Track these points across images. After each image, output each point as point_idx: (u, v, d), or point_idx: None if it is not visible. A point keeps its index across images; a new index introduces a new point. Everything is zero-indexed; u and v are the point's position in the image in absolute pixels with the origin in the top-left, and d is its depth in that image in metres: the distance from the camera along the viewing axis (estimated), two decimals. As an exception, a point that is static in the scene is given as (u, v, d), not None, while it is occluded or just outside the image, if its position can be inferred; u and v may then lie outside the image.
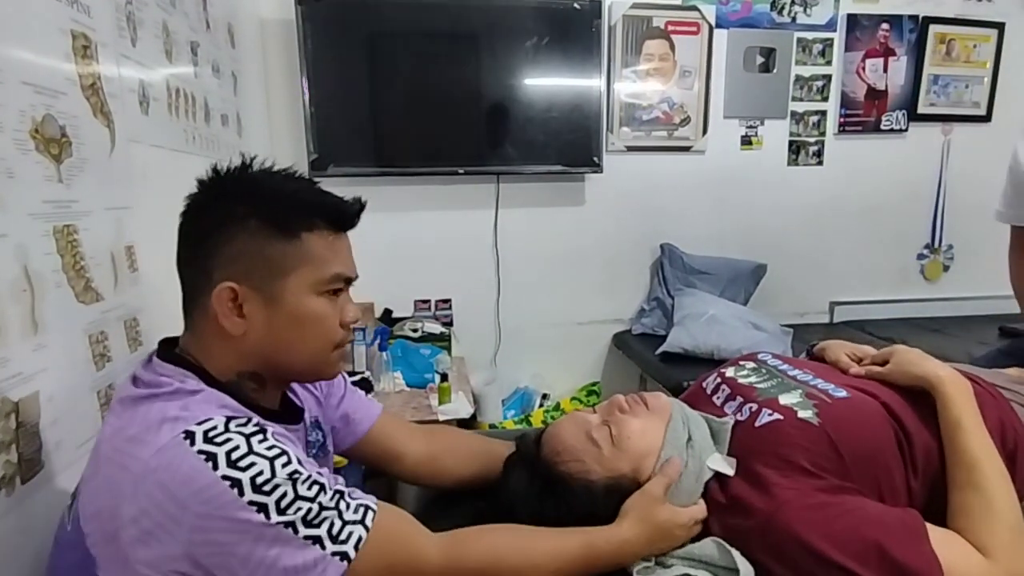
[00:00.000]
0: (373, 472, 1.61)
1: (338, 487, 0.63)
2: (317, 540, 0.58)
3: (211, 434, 0.58)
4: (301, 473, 0.59)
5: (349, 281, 0.72)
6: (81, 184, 0.89)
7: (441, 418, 1.76)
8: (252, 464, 0.57)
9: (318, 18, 2.11)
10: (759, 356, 1.02)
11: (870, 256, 2.79)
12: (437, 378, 1.87)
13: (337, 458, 0.91)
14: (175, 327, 1.18)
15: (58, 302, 0.82)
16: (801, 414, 0.80)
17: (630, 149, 2.50)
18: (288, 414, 0.76)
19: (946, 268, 2.85)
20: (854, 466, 0.75)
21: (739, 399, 0.89)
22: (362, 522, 0.61)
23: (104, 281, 0.94)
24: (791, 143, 2.63)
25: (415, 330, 2.19)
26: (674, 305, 2.38)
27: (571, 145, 2.36)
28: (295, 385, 0.83)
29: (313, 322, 0.69)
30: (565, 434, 0.85)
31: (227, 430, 0.58)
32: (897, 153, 2.71)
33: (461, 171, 2.32)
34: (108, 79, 0.99)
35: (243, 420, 0.61)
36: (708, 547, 0.76)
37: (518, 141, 2.34)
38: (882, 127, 2.66)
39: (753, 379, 0.93)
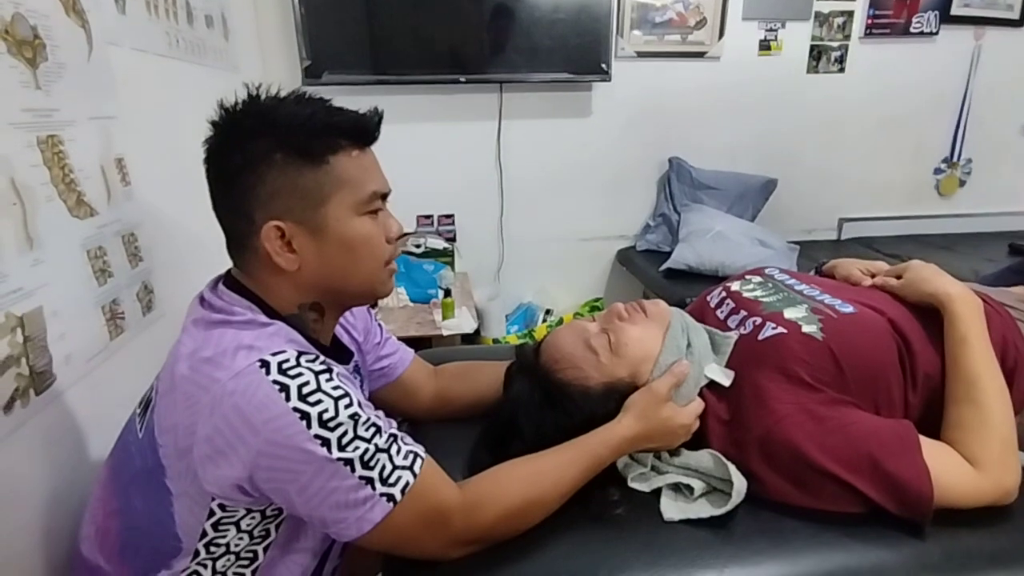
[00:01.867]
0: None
1: (392, 431, 0.65)
2: (369, 481, 0.61)
3: (284, 366, 0.60)
4: (360, 415, 0.61)
5: (384, 196, 0.73)
6: (60, 91, 0.84)
7: (445, 333, 1.79)
8: (320, 401, 0.59)
9: (304, -96, 1.93)
10: (766, 270, 1.01)
11: (885, 171, 2.71)
12: (440, 294, 1.88)
13: None
14: (174, 243, 1.17)
15: (51, 216, 0.81)
16: (805, 328, 0.79)
17: (640, 55, 2.36)
18: (339, 352, 0.79)
19: (962, 183, 2.78)
20: (854, 381, 0.76)
21: (743, 313, 0.89)
22: (411, 468, 0.63)
23: (97, 195, 0.92)
24: (812, 48, 2.48)
25: (418, 246, 2.18)
26: (680, 221, 2.35)
27: (578, 50, 2.23)
28: (342, 324, 0.85)
29: (362, 244, 0.69)
30: (563, 342, 0.85)
31: (299, 364, 0.60)
32: (924, 59, 2.55)
33: (462, 79, 2.21)
34: (78, -27, 0.91)
35: (312, 356, 0.63)
36: (704, 458, 0.78)
37: (522, 46, 2.21)
38: (912, 30, 2.49)
39: (759, 293, 0.92)
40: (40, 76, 0.80)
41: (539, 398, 0.81)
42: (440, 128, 2.34)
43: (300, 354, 0.62)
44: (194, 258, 1.25)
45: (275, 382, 0.59)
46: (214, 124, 0.67)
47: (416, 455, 0.65)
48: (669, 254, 2.22)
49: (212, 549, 0.66)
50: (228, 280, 0.70)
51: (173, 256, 1.17)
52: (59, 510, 0.79)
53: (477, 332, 1.99)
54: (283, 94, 0.68)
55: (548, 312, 2.59)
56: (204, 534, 0.65)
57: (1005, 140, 2.72)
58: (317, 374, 0.61)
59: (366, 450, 0.61)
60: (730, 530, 0.72)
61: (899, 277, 0.89)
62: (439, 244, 2.22)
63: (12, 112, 0.75)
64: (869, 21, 2.46)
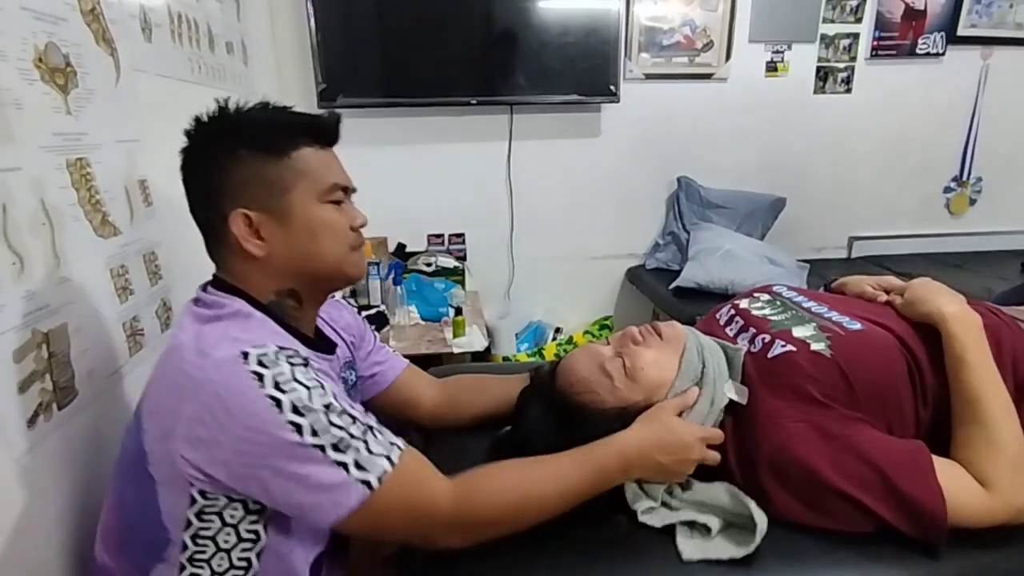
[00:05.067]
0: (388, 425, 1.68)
1: (369, 422, 0.66)
2: (343, 465, 0.62)
3: (263, 359, 0.63)
4: (335, 405, 0.63)
5: (347, 190, 0.78)
6: (90, 116, 0.87)
7: (455, 351, 1.80)
8: (294, 389, 0.62)
9: (321, -65, 2.00)
10: (774, 288, 1.02)
11: (894, 189, 2.71)
12: (451, 312, 1.89)
13: None
14: (193, 261, 1.19)
15: (77, 236, 0.83)
16: (814, 346, 0.80)
17: (648, 77, 2.40)
18: (323, 343, 0.81)
19: (972, 202, 2.77)
20: (865, 397, 0.76)
21: (752, 331, 0.89)
22: (387, 457, 0.64)
23: (120, 215, 0.95)
24: (819, 69, 2.50)
25: (429, 264, 2.20)
26: (689, 240, 2.36)
27: (587, 72, 2.27)
28: (331, 325, 0.89)
29: (325, 229, 0.74)
30: (578, 366, 0.85)
31: (276, 358, 0.63)
32: (932, 79, 2.57)
33: (474, 101, 2.25)
34: (108, 4, 0.95)
35: (291, 352, 0.65)
36: (720, 494, 0.76)
37: (532, 69, 2.25)
38: (918, 51, 2.51)
39: (767, 311, 0.93)
40: (71, 102, 0.83)
41: (554, 421, 0.82)
42: (451, 149, 2.38)
43: (280, 349, 0.65)
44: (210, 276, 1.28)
45: (252, 372, 0.61)
46: (187, 133, 0.73)
47: (395, 445, 0.66)
48: (678, 272, 2.22)
49: (200, 543, 0.67)
50: (214, 281, 0.75)
51: (191, 274, 1.18)
52: (78, 523, 0.80)
53: (488, 350, 2.00)
54: (249, 105, 0.74)
55: (558, 330, 2.60)
56: (189, 523, 0.66)
57: (1015, 159, 2.72)
58: (293, 367, 0.63)
59: (340, 438, 0.62)
60: (742, 548, 0.71)
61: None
62: (450, 263, 2.24)
63: (44, 136, 0.78)
64: (875, 43, 2.48)
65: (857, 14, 2.45)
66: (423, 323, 1.99)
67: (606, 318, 2.68)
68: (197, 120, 0.73)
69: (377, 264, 1.94)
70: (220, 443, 0.61)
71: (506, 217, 2.49)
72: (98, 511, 0.82)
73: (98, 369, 0.86)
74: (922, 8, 2.46)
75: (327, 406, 0.63)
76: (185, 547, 0.67)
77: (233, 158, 0.71)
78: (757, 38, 2.42)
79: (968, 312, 0.80)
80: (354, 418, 0.64)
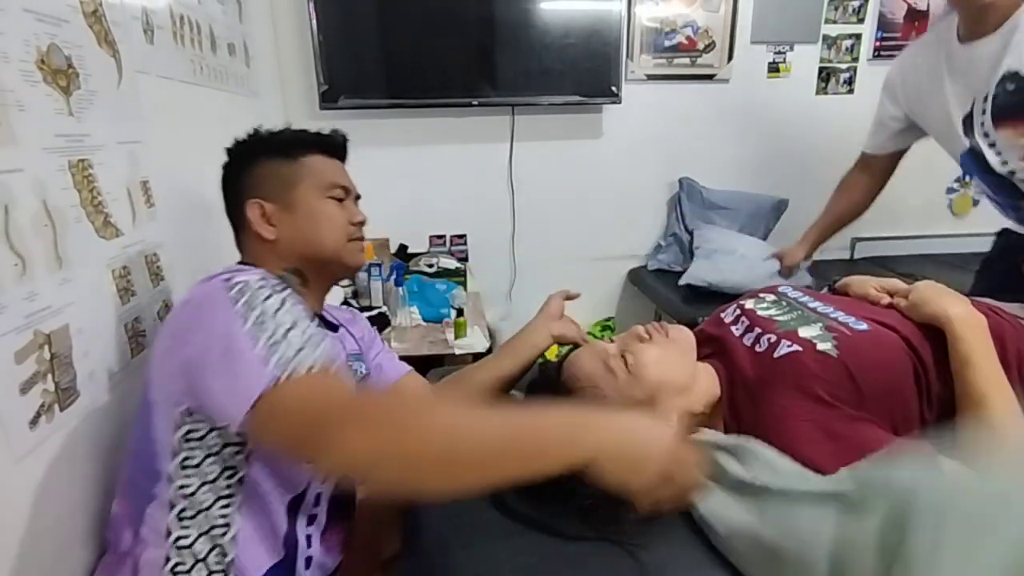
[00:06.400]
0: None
1: (313, 332, 0.67)
2: (266, 359, 0.62)
3: (241, 277, 0.70)
4: (286, 309, 0.68)
5: (348, 192, 0.92)
6: (92, 117, 0.87)
7: (457, 352, 1.80)
8: (254, 297, 0.68)
9: (323, -63, 2.00)
10: (780, 288, 1.02)
11: (897, 190, 2.66)
12: (453, 313, 1.89)
13: None
14: (194, 263, 1.20)
15: (79, 237, 0.83)
16: (820, 346, 0.80)
17: (650, 78, 2.40)
18: (324, 324, 0.91)
19: (976, 203, 2.76)
20: (870, 397, 0.76)
21: (758, 330, 0.89)
22: (309, 369, 0.62)
23: (122, 216, 0.95)
24: (821, 70, 2.50)
25: (431, 265, 2.20)
26: (692, 240, 2.35)
27: (589, 73, 2.27)
28: (341, 319, 1.00)
29: (326, 219, 0.88)
30: (583, 362, 0.87)
31: (258, 281, 0.70)
32: (934, 80, 2.56)
33: (475, 102, 2.25)
34: (110, 5, 0.95)
35: (276, 282, 0.72)
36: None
37: (533, 70, 2.25)
38: (920, 51, 2.50)
39: (773, 312, 0.93)
40: (73, 103, 0.83)
41: None
42: (453, 150, 2.38)
43: (263, 277, 0.71)
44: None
45: (226, 281, 0.69)
46: (227, 150, 0.92)
47: (320, 364, 0.64)
48: (680, 274, 2.22)
49: (186, 473, 0.70)
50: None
51: (192, 275, 1.19)
52: (80, 524, 0.80)
53: (489, 351, 1.99)
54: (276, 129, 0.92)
55: (559, 332, 2.59)
56: (176, 452, 0.70)
57: (1018, 159, 2.71)
58: (270, 287, 0.69)
59: (273, 334, 0.64)
60: (745, 550, 0.71)
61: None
62: (451, 264, 2.24)
63: (46, 138, 0.78)
64: (877, 44, 2.48)
65: (859, 15, 2.45)
66: (425, 324, 1.98)
67: (608, 319, 2.68)
68: (235, 140, 0.92)
69: (379, 265, 1.94)
70: (189, 340, 0.67)
71: (508, 218, 2.49)
72: (100, 511, 0.83)
73: (99, 371, 0.86)
74: (924, 8, 2.46)
75: (277, 310, 0.67)
76: (171, 480, 0.70)
77: (255, 161, 0.89)
78: (759, 39, 2.42)
79: (973, 314, 0.81)
80: (304, 331, 0.66)
